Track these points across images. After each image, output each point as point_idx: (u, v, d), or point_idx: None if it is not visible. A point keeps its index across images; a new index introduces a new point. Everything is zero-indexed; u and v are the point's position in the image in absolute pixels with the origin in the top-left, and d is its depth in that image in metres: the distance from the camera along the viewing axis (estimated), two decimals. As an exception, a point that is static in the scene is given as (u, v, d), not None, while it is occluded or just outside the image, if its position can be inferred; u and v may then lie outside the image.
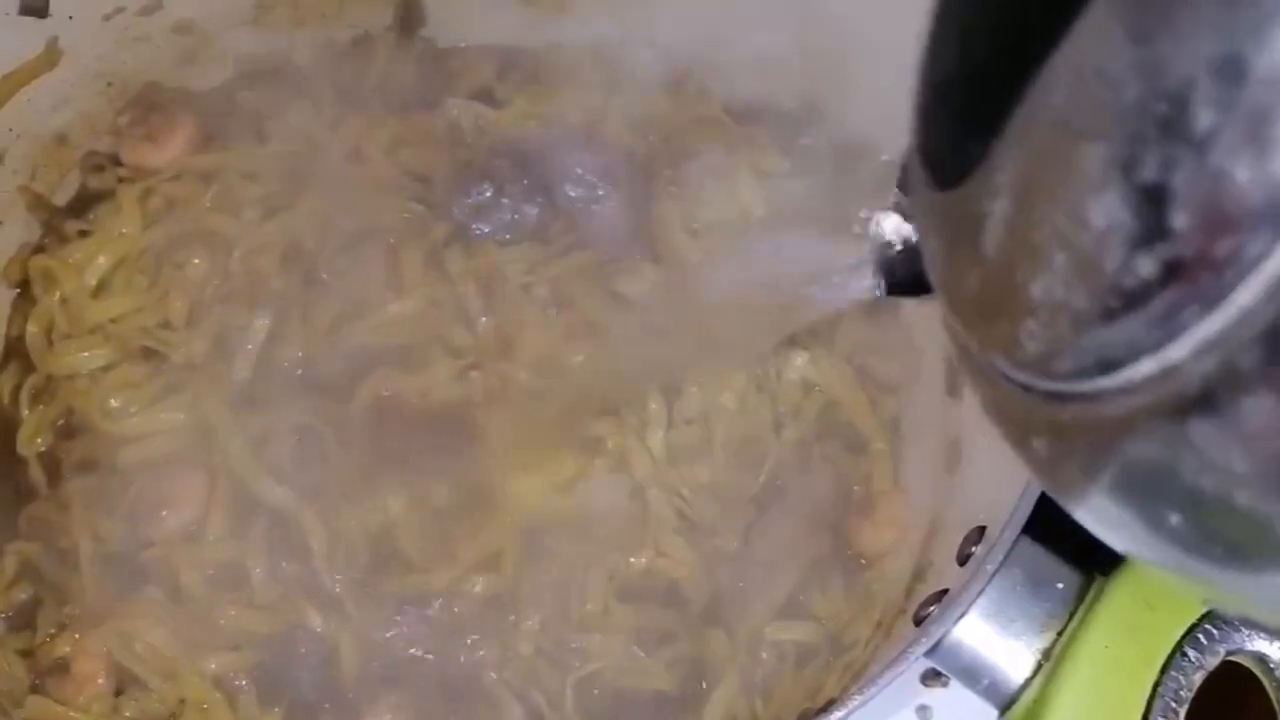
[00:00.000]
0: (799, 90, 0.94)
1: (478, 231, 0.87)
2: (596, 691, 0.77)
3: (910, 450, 0.86)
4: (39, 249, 0.87)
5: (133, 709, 0.73)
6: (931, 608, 0.61)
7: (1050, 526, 0.60)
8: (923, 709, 0.91)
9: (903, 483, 0.85)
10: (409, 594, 0.77)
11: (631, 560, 0.80)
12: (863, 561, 0.82)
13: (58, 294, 0.85)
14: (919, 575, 0.75)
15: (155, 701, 0.73)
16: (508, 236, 0.88)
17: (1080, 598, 0.58)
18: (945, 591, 0.60)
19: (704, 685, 0.78)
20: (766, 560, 0.82)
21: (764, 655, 0.79)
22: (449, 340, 0.84)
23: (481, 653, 0.76)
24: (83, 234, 0.87)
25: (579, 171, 0.88)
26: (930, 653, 0.57)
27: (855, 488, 0.85)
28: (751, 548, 0.82)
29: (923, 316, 0.89)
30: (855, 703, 0.54)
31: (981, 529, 0.62)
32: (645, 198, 0.90)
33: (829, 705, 0.66)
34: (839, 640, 0.79)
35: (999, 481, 0.66)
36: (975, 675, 0.58)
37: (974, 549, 0.61)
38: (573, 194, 0.88)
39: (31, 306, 0.85)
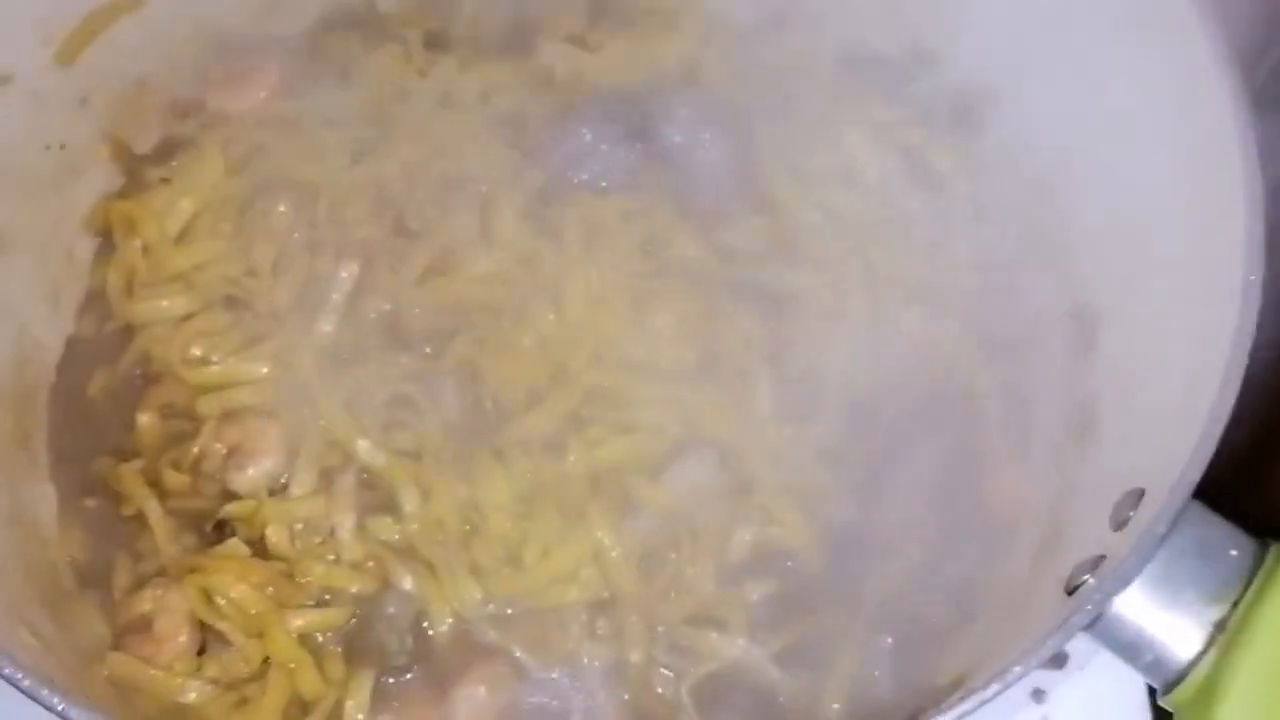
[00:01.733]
0: (907, 33, 0.89)
1: (574, 179, 0.83)
2: (713, 690, 0.72)
3: (1032, 412, 0.80)
4: (121, 197, 0.84)
5: (216, 668, 0.70)
6: (1086, 576, 0.55)
7: (1222, 491, 0.54)
8: (1038, 693, 0.86)
9: (1025, 447, 0.79)
10: (500, 587, 0.73)
11: (739, 535, 0.74)
12: (986, 530, 0.76)
13: (139, 241, 0.82)
14: (1047, 546, 0.70)
15: (239, 660, 0.70)
16: (604, 184, 0.83)
17: (1257, 566, 0.52)
18: (1102, 559, 0.55)
19: (825, 664, 0.73)
20: (886, 528, 0.77)
21: (886, 630, 0.73)
22: (541, 300, 0.79)
23: (584, 661, 0.71)
24: (164, 182, 0.84)
25: (680, 116, 0.83)
26: (1088, 626, 0.52)
27: (974, 452, 0.79)
28: (869, 515, 0.77)
29: (1044, 273, 0.83)
30: (996, 684, 0.49)
31: (1140, 492, 0.56)
32: (748, 146, 0.85)
33: (960, 683, 0.61)
34: (964, 613, 0.73)
35: (1154, 443, 0.60)
36: (1137, 651, 0.53)
37: (1131, 514, 0.56)
38: (673, 140, 0.84)
39: (112, 255, 0.82)
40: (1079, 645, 0.85)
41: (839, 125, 0.86)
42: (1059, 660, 0.86)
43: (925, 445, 0.80)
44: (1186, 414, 0.54)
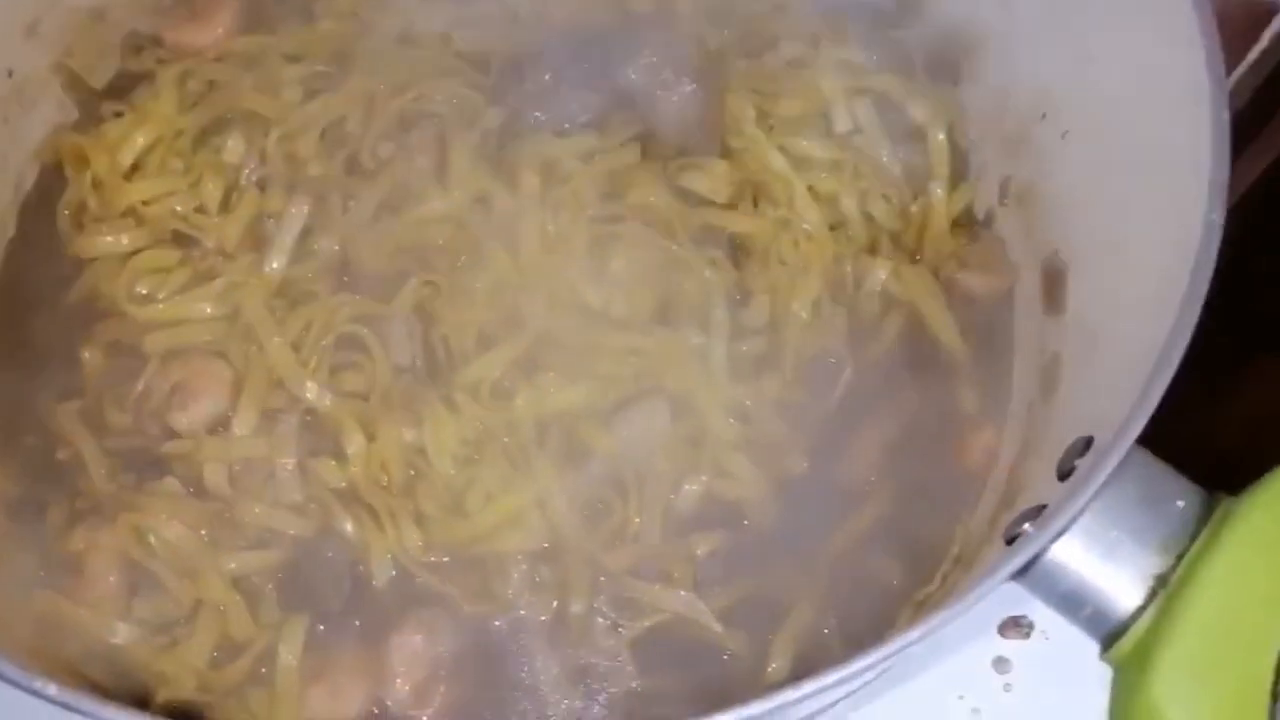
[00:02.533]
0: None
1: (534, 119, 0.80)
2: (654, 644, 0.69)
3: (1002, 371, 0.78)
4: (74, 131, 0.82)
5: (145, 608, 0.68)
6: (1026, 525, 0.53)
7: (1171, 439, 0.51)
8: (1000, 661, 0.83)
9: (993, 405, 0.76)
10: (441, 534, 0.71)
11: (688, 486, 0.72)
12: (951, 491, 0.73)
13: (89, 175, 0.80)
14: (1007, 502, 0.67)
15: (170, 602, 0.68)
16: (566, 126, 0.80)
17: (1205, 518, 0.50)
18: (1043, 508, 0.52)
19: (773, 621, 0.70)
20: (843, 484, 0.74)
21: (838, 589, 0.71)
22: (496, 242, 0.77)
23: (522, 612, 0.69)
24: (118, 116, 0.82)
25: (646, 58, 0.81)
26: (1022, 575, 0.49)
27: (941, 410, 0.76)
28: (826, 470, 0.74)
29: (1019, 228, 0.80)
30: (930, 623, 0.47)
31: (1089, 440, 0.54)
32: (717, 90, 0.82)
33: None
34: (921, 574, 0.71)
35: (1110, 393, 0.57)
36: (1075, 603, 0.50)
37: (1077, 463, 0.53)
38: (638, 82, 0.81)
39: (62, 188, 0.80)
40: (1044, 613, 0.83)
41: (813, 70, 0.83)
42: (1024, 629, 0.84)
43: (890, 402, 0.77)
44: (1140, 363, 0.52)
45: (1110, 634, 0.50)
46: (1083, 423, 0.57)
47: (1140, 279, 0.61)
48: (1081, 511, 0.48)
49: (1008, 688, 0.82)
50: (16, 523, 0.71)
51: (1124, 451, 0.47)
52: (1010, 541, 0.54)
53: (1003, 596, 0.81)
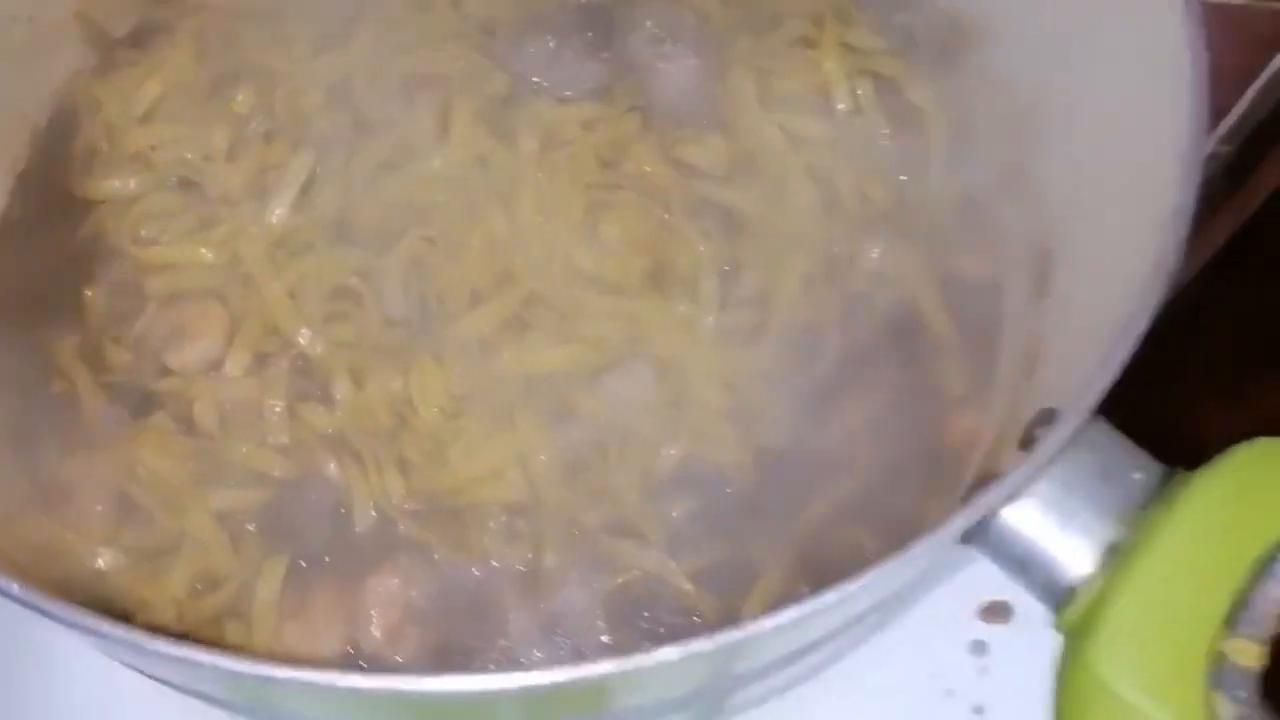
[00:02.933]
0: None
1: (537, 85, 0.82)
2: (626, 602, 0.70)
3: (988, 354, 0.78)
4: (91, 77, 0.84)
5: (131, 538, 0.70)
6: (978, 492, 0.53)
7: (1133, 411, 0.52)
8: (978, 645, 0.84)
9: (978, 388, 0.77)
10: (423, 482, 0.72)
11: (668, 450, 0.73)
12: (933, 469, 0.74)
13: (102, 119, 0.81)
14: (981, 480, 0.68)
15: (155, 533, 0.70)
16: (568, 93, 0.82)
17: (1160, 491, 0.50)
18: (999, 475, 0.53)
19: (744, 586, 0.71)
20: (823, 456, 0.75)
21: (812, 557, 0.72)
22: (493, 203, 0.78)
23: (497, 563, 0.71)
24: (134, 65, 0.84)
25: (649, 27, 0.82)
26: (976, 538, 0.50)
27: (928, 390, 0.77)
28: (807, 441, 0.75)
29: (1012, 212, 0.81)
30: (874, 573, 0.47)
31: (1051, 411, 0.54)
32: (719, 64, 0.83)
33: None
34: (890, 546, 0.71)
35: (1077, 365, 0.58)
36: (1029, 568, 0.51)
37: (1038, 433, 0.54)
38: (640, 53, 0.82)
39: (75, 131, 0.82)
40: (1026, 600, 0.83)
41: (815, 48, 0.84)
42: (1003, 614, 0.84)
43: (875, 378, 0.78)
44: (1101, 336, 0.52)
45: (1061, 600, 0.50)
46: (1050, 397, 0.57)
47: (1118, 260, 0.61)
48: (1035, 476, 0.48)
49: (983, 671, 0.83)
50: (12, 450, 0.73)
51: (1082, 418, 0.48)
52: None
53: (984, 579, 0.81)
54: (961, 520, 0.46)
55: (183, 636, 0.63)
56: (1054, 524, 0.50)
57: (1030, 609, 0.83)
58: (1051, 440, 0.48)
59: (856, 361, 0.78)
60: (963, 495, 0.56)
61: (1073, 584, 0.50)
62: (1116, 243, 0.63)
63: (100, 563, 0.69)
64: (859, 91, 0.83)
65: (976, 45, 0.84)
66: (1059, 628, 0.51)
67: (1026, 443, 0.55)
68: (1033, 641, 0.82)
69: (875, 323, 0.79)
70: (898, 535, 0.72)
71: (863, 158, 0.82)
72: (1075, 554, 0.50)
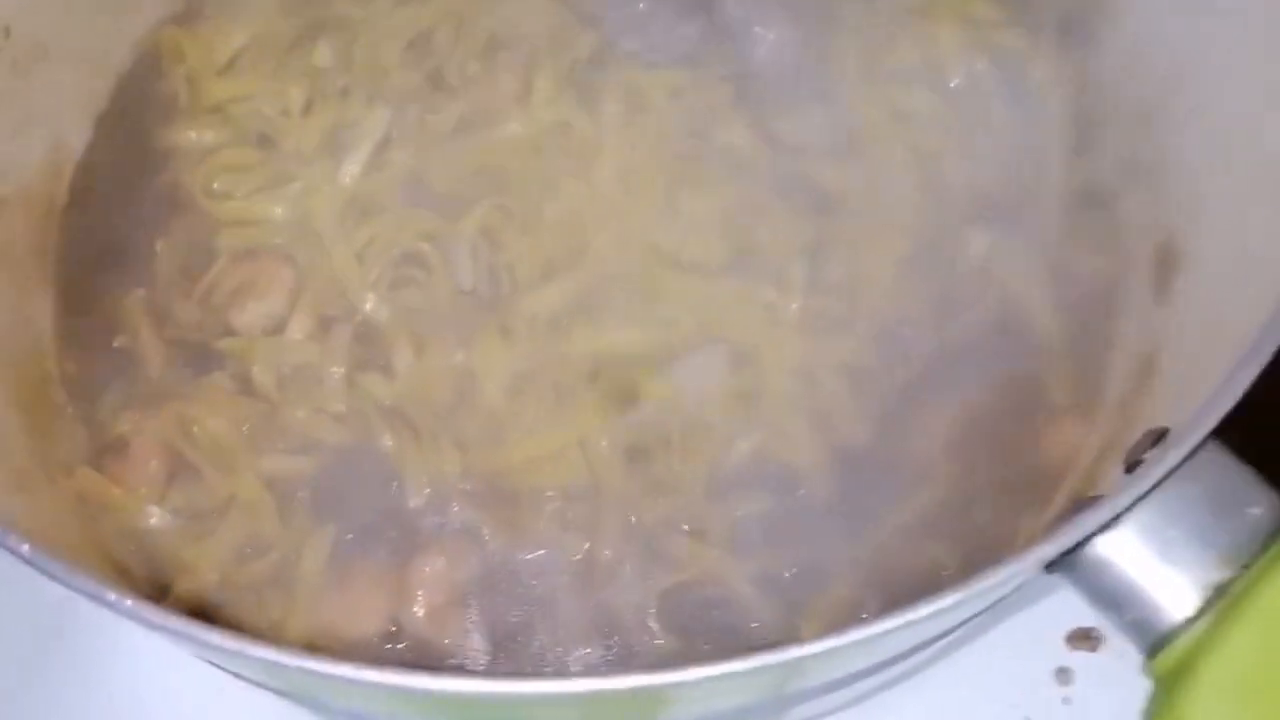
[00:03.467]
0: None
1: (626, 48, 0.77)
2: (682, 602, 0.66)
3: (1098, 361, 0.71)
4: (175, 25, 0.83)
5: (180, 497, 0.68)
6: (1075, 515, 0.47)
7: (1256, 436, 0.45)
8: (1063, 672, 0.77)
9: (1083, 398, 0.70)
10: (479, 461, 0.69)
11: (738, 444, 0.68)
12: (1025, 484, 0.68)
13: (184, 69, 0.80)
14: (1076, 497, 0.62)
15: (205, 494, 0.68)
16: (658, 58, 0.77)
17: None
18: (1099, 498, 0.47)
19: (809, 596, 0.66)
20: (905, 462, 0.69)
21: (884, 571, 0.66)
22: (572, 173, 0.74)
23: (550, 550, 0.67)
24: (218, 15, 0.83)
25: (749, -11, 0.77)
26: (1063, 565, 0.44)
27: (1027, 397, 0.71)
28: (889, 445, 0.69)
29: (1138, 208, 0.74)
30: (946, 599, 0.42)
31: (1163, 431, 0.48)
32: (823, 30, 0.77)
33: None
34: (973, 566, 0.66)
35: (1197, 382, 0.51)
36: (1121, 604, 0.45)
37: (1146, 455, 0.47)
38: (737, 17, 0.77)
39: (158, 79, 0.81)
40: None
41: (931, 18, 0.78)
42: (1092, 641, 0.77)
43: (969, 381, 0.71)
44: (1226, 352, 0.46)
45: (1155, 643, 0.44)
46: (1164, 416, 0.51)
47: (1253, 274, 0.54)
48: (1137, 503, 0.42)
49: (1066, 701, 0.76)
50: (73, 400, 0.72)
51: (1195, 442, 0.42)
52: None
53: (1074, 602, 0.75)
54: (1049, 548, 0.41)
55: (218, 609, 0.63)
56: (1153, 557, 0.44)
57: (1124, 638, 0.77)
58: (1159, 463, 0.42)
59: (950, 361, 0.71)
60: (1054, 518, 0.49)
61: (1170, 626, 0.44)
62: (1254, 246, 0.56)
63: (150, 521, 0.67)
64: (975, 66, 0.77)
65: (1110, 18, 0.77)
66: (1150, 673, 0.45)
67: (1132, 465, 0.48)
68: (1123, 673, 0.75)
69: (974, 320, 0.73)
70: (980, 554, 0.68)
71: (974, 139, 0.76)
72: (1175, 593, 0.44)
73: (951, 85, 0.77)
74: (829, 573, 0.66)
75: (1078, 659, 0.76)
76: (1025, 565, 0.41)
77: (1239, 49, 0.65)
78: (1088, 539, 0.43)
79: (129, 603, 0.45)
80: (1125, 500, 0.42)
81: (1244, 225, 0.60)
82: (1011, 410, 0.71)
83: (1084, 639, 0.76)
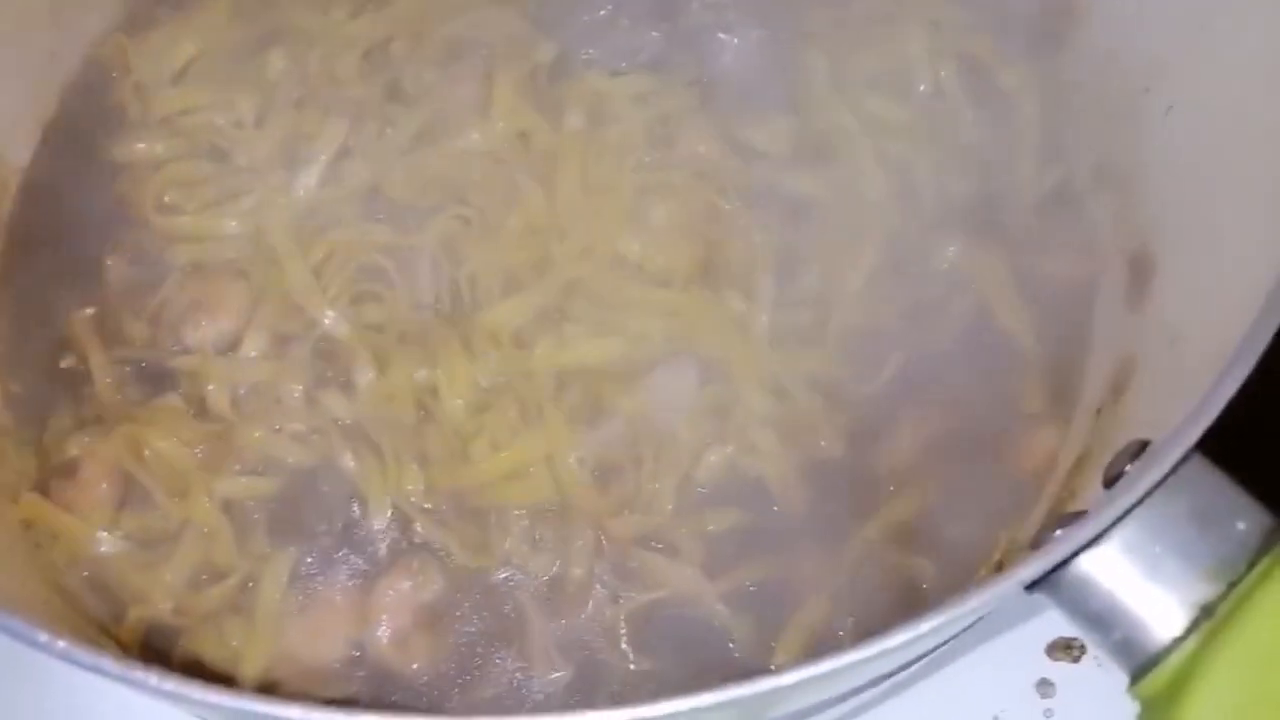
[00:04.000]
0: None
1: (587, 56, 0.76)
2: (654, 621, 0.64)
3: (1073, 369, 0.70)
4: (123, 33, 0.80)
5: (132, 523, 0.66)
6: (1057, 531, 0.46)
7: (1240, 448, 0.44)
8: (1044, 684, 0.76)
9: (1059, 406, 0.69)
10: (443, 479, 0.67)
11: (709, 458, 0.67)
12: (1003, 493, 0.67)
13: (133, 79, 0.78)
14: (1056, 512, 0.61)
15: (157, 518, 0.66)
16: (621, 65, 0.76)
17: (1268, 545, 0.42)
18: (1082, 514, 0.46)
19: (784, 613, 0.65)
20: (879, 474, 0.68)
21: (862, 586, 0.65)
22: (534, 182, 0.73)
23: (518, 570, 0.65)
24: (168, 22, 0.80)
25: (714, -4, 0.75)
26: (1045, 584, 0.43)
27: (1001, 406, 0.69)
28: (863, 457, 0.68)
29: (1109, 212, 0.73)
30: (922, 626, 0.40)
31: (1144, 444, 0.47)
32: (786, 36, 0.76)
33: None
34: (955, 580, 0.65)
35: (1177, 393, 0.50)
36: (1106, 624, 0.44)
37: (1127, 468, 0.46)
38: (701, 22, 0.75)
39: (106, 89, 0.78)
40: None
41: (897, 22, 0.77)
42: (1073, 652, 0.77)
43: (943, 391, 0.70)
44: (1209, 365, 0.45)
45: (1141, 665, 0.43)
46: (1143, 428, 0.50)
47: (1230, 278, 0.53)
48: (1120, 520, 0.41)
49: (1048, 713, 0.75)
50: (19, 423, 0.70)
51: (1178, 455, 0.40)
52: (1037, 547, 0.47)
53: (1054, 615, 0.74)
54: (1031, 569, 0.39)
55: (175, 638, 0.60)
56: (1138, 575, 0.43)
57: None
58: (1141, 477, 0.41)
59: (923, 371, 0.70)
60: (1034, 534, 0.48)
61: (1156, 647, 0.43)
62: (1228, 252, 0.55)
63: (100, 548, 0.65)
64: (943, 73, 0.76)
65: (1078, 21, 0.76)
66: (1136, 695, 0.44)
67: (1112, 479, 0.47)
68: (1105, 685, 0.74)
69: (947, 328, 0.72)
70: (958, 566, 0.67)
71: (943, 146, 0.75)
72: (1161, 612, 0.43)
73: (920, 91, 0.76)
74: (803, 589, 0.65)
75: (1059, 670, 0.75)
76: (1005, 586, 0.39)
77: (1209, 55, 0.65)
78: (1070, 557, 0.42)
79: (61, 644, 0.43)
80: (1108, 517, 0.41)
81: (1218, 231, 0.59)
82: (987, 420, 0.69)
83: (1065, 649, 0.75)
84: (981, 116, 0.76)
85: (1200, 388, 0.45)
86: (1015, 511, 0.67)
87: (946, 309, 0.72)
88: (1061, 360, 0.71)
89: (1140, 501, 0.41)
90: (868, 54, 0.76)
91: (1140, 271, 0.67)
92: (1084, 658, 0.76)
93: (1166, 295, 0.63)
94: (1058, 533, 0.44)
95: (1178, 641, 0.42)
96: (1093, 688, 0.75)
